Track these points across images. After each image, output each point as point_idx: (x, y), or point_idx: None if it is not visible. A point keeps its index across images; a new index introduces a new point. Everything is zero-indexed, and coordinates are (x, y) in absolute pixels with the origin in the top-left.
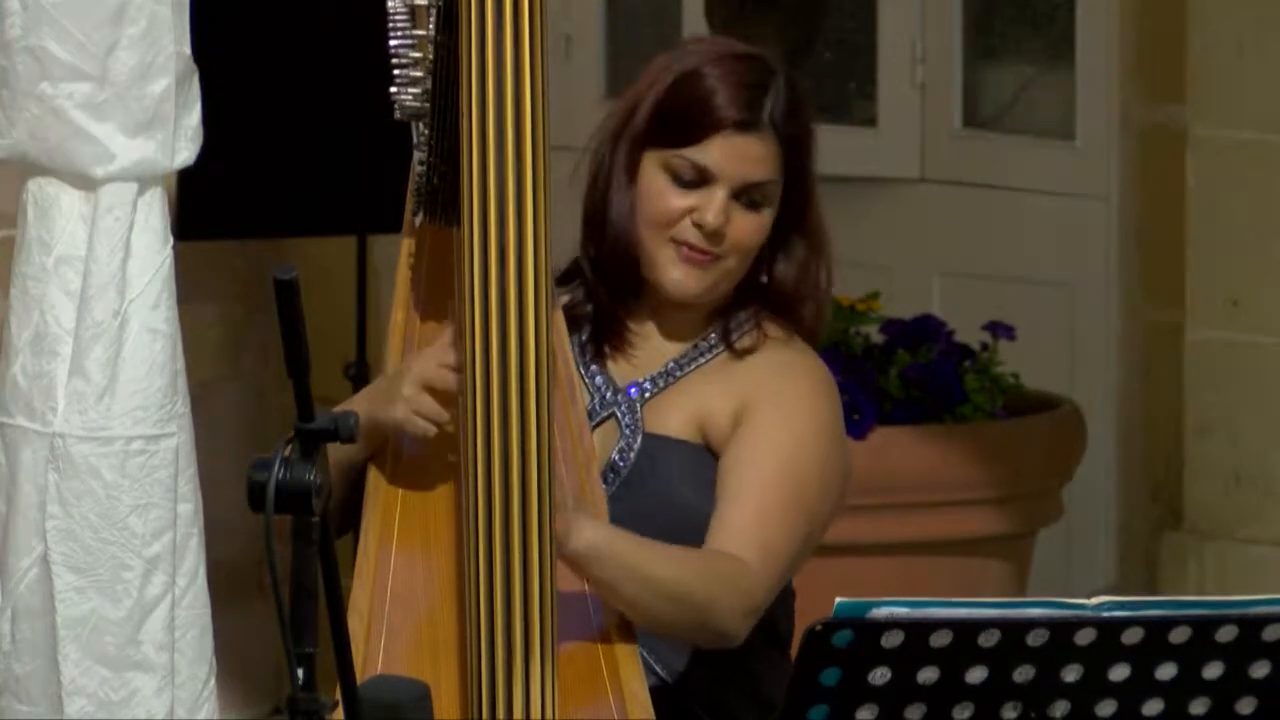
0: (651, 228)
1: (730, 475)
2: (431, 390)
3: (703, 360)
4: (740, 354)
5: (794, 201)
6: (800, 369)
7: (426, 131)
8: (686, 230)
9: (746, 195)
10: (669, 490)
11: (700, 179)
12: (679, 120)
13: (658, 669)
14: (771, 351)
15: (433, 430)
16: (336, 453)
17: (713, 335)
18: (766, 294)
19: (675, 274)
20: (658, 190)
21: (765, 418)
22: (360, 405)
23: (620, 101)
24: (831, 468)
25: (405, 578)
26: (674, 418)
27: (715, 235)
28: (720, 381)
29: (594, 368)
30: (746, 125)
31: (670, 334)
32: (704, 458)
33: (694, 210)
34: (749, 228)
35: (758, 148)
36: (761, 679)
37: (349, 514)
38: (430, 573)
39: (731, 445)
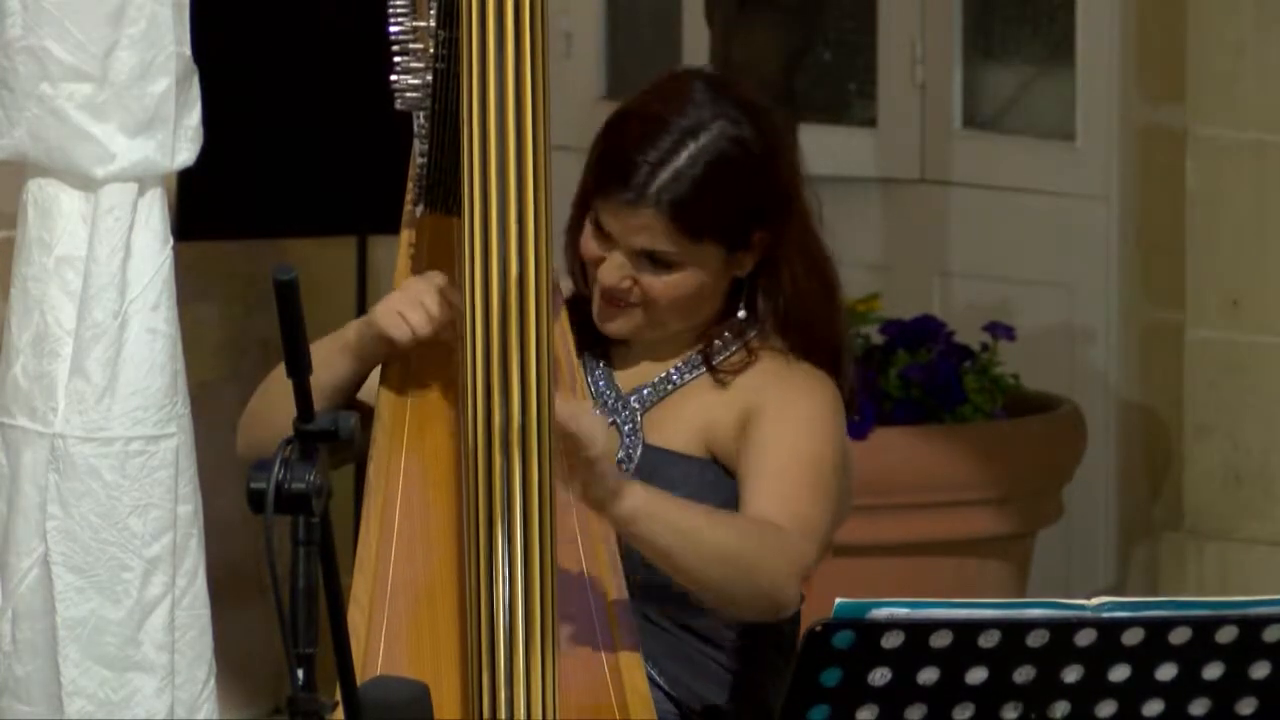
0: (586, 267)
1: (750, 465)
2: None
3: (702, 371)
4: (728, 372)
5: (751, 263)
6: (800, 373)
7: (427, 123)
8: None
9: (649, 257)
10: None
11: (605, 234)
12: (594, 171)
13: (657, 677)
14: (769, 361)
15: (405, 331)
16: (326, 374)
17: (698, 355)
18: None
19: (596, 309)
20: (586, 234)
21: (774, 412)
22: (357, 320)
23: None
24: (843, 450)
25: (406, 571)
26: (678, 432)
27: (616, 290)
28: (722, 392)
29: (598, 371)
30: (627, 201)
31: (666, 343)
32: (708, 472)
33: (603, 261)
34: (657, 286)
35: (639, 220)
36: (763, 685)
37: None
38: (431, 566)
39: (745, 444)
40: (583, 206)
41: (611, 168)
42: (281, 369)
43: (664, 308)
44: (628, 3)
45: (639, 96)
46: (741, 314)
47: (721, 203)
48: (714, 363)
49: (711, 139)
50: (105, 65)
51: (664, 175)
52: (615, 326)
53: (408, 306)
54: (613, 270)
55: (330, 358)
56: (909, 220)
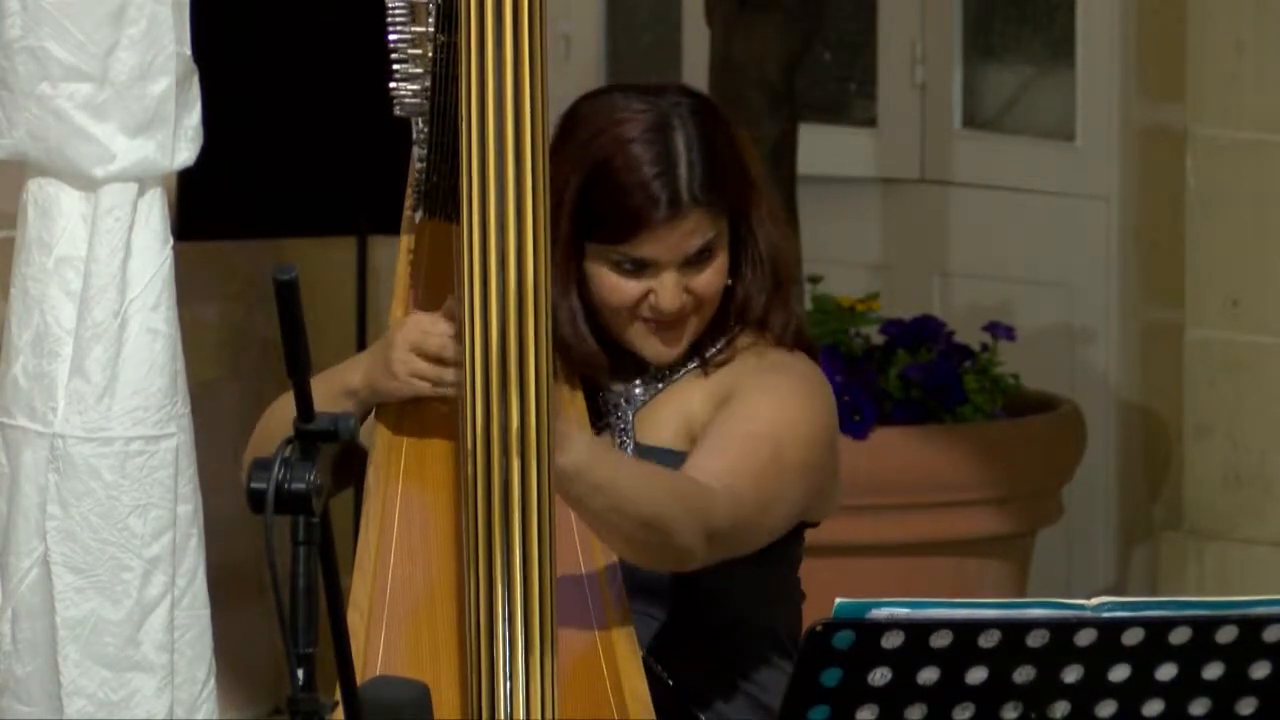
0: (614, 314)
1: (709, 428)
2: (422, 354)
3: (690, 367)
4: (715, 365)
5: (735, 229)
6: (785, 363)
7: (426, 129)
8: (649, 309)
9: (695, 258)
10: None
11: (643, 266)
12: (603, 221)
13: (660, 672)
14: (750, 353)
15: (430, 390)
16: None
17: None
18: (735, 308)
19: (652, 345)
20: (610, 285)
21: (748, 394)
22: (358, 369)
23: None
24: (822, 432)
25: (405, 573)
26: (665, 428)
27: (677, 310)
28: (704, 386)
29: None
30: (668, 218)
31: None
32: None
33: (650, 292)
34: (706, 280)
35: (687, 225)
36: (763, 684)
37: (339, 476)
38: (430, 568)
39: (715, 416)
40: (574, 273)
41: (625, 209)
42: (279, 401)
43: (711, 300)
44: (628, 4)
45: (571, 146)
46: (727, 281)
47: (725, 165)
48: (705, 355)
49: (682, 121)
50: (105, 65)
51: (682, 173)
52: (674, 345)
53: (415, 365)
54: (672, 291)
55: (334, 401)
56: (909, 220)
